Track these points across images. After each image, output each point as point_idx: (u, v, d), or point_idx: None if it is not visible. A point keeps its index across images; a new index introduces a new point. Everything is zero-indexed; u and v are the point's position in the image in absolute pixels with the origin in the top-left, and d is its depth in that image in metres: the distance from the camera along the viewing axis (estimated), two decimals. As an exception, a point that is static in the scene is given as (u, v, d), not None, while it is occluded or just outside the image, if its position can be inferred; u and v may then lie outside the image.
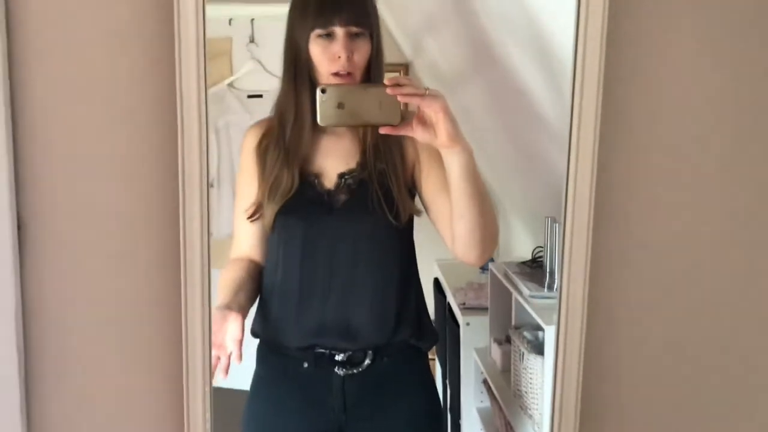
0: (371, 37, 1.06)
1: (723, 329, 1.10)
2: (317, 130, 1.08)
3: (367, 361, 1.13)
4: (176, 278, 0.99)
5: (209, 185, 1.18)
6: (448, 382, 1.42)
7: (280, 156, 1.09)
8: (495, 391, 1.31)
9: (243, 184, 1.14)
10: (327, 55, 1.04)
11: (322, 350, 1.13)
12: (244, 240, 1.14)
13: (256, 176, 1.11)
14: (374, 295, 1.12)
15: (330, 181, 1.10)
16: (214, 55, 1.27)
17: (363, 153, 1.10)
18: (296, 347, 1.14)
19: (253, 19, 1.30)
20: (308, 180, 1.10)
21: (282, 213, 1.09)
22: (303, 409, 1.16)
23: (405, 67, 1.30)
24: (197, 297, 0.98)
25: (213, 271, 1.03)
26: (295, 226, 1.11)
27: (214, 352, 1.02)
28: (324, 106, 0.96)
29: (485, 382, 1.35)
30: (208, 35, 1.04)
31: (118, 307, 1.03)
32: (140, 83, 0.99)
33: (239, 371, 1.30)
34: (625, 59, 1.00)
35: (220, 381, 1.16)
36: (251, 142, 1.13)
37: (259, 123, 1.14)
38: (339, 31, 1.03)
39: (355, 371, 1.13)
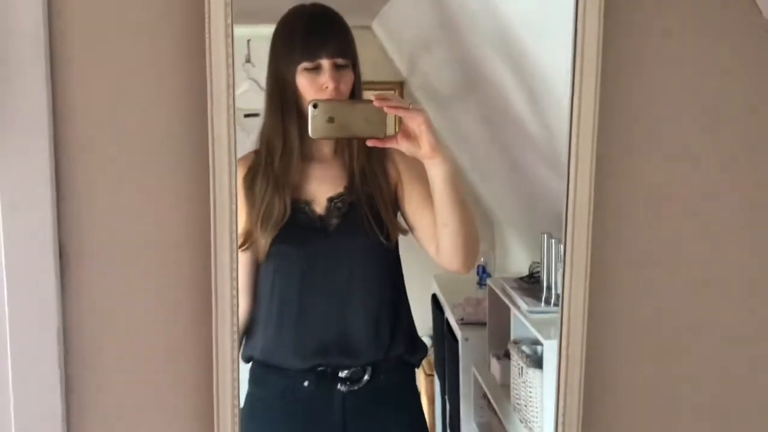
0: (353, 67, 1.11)
1: (724, 342, 1.11)
2: (305, 158, 1.12)
3: (366, 377, 1.16)
4: (206, 301, 1.01)
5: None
6: (447, 397, 1.43)
7: (270, 185, 1.11)
8: (495, 406, 1.32)
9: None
10: (314, 87, 1.08)
11: (324, 368, 1.15)
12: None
13: (244, 208, 1.11)
14: (370, 312, 1.16)
15: (320, 206, 1.13)
16: (211, 76, 1.28)
17: (350, 177, 1.13)
18: (298, 369, 1.16)
19: (249, 40, 1.32)
20: (299, 207, 1.12)
21: (277, 241, 1.11)
22: (303, 426, 1.18)
23: (400, 86, 1.32)
24: (227, 318, 1.00)
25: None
26: (291, 252, 1.13)
27: None
28: (315, 120, 1.01)
29: (485, 396, 1.35)
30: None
31: (151, 329, 1.05)
32: (171, 113, 1.02)
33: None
34: (621, 74, 1.03)
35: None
36: (239, 172, 1.12)
37: (243, 157, 1.14)
38: (325, 63, 1.08)
39: (355, 387, 1.16)
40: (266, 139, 1.13)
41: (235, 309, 0.99)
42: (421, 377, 1.38)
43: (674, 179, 1.07)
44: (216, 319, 1.00)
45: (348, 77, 1.10)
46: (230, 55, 0.97)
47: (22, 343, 1.01)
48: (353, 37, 1.12)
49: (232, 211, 0.98)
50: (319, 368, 1.15)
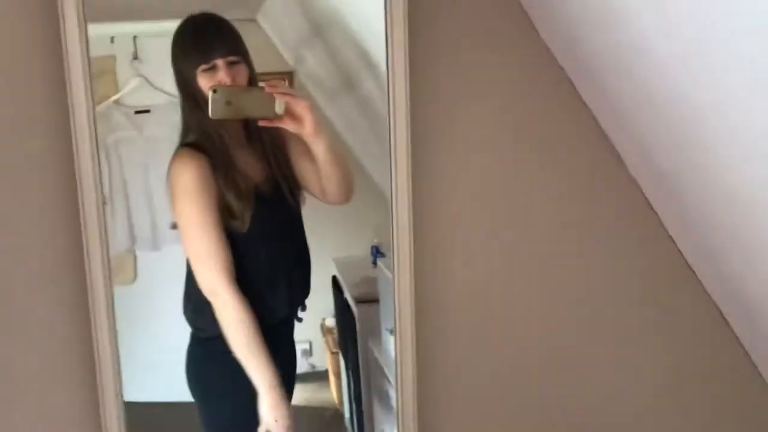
0: (246, 61, 1.23)
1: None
2: (238, 146, 1.26)
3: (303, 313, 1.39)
4: (82, 292, 1.09)
5: (103, 203, 1.22)
6: (350, 372, 1.50)
7: (229, 174, 1.24)
8: (389, 378, 1.40)
9: (200, 205, 1.23)
10: (213, 83, 1.19)
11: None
12: (223, 247, 1.24)
13: (214, 194, 1.23)
14: (306, 261, 1.37)
15: (264, 185, 1.29)
16: (99, 74, 1.28)
17: (269, 158, 1.29)
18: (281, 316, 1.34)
19: (135, 36, 1.33)
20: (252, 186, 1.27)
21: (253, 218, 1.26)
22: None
23: (289, 75, 1.37)
24: (102, 312, 1.08)
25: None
26: (266, 224, 1.29)
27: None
28: (215, 104, 1.16)
29: (381, 369, 1.43)
30: (92, 54, 1.08)
31: (32, 328, 1.12)
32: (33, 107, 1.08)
33: (152, 383, 1.34)
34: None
35: (134, 395, 1.22)
36: (202, 168, 1.23)
37: (192, 153, 1.23)
38: (220, 62, 1.20)
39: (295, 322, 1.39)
40: (201, 134, 1.23)
41: (110, 299, 1.10)
42: (327, 355, 1.46)
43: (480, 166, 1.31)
44: (93, 310, 1.09)
45: (242, 71, 1.22)
46: (86, 55, 1.06)
47: None
48: (240, 35, 1.23)
49: (101, 227, 1.09)
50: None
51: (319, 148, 1.25)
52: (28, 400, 1.13)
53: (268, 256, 1.32)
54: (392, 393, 1.37)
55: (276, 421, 1.24)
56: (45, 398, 1.12)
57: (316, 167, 1.28)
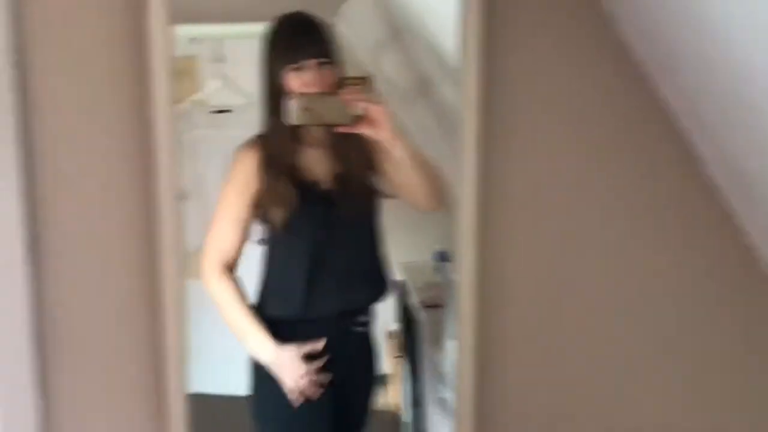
0: (336, 64, 1.27)
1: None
2: (305, 143, 1.30)
3: (368, 318, 1.40)
4: (155, 288, 1.15)
5: (180, 198, 1.26)
6: (412, 377, 1.50)
7: (278, 170, 1.27)
8: (451, 385, 1.39)
9: (234, 194, 1.29)
10: (300, 83, 1.23)
11: (343, 311, 1.37)
12: (231, 244, 1.31)
13: (253, 188, 1.28)
14: (370, 264, 1.38)
15: (324, 183, 1.31)
16: (180, 73, 1.32)
17: (341, 158, 1.31)
18: (323, 318, 1.35)
19: (218, 38, 1.37)
20: (307, 185, 1.29)
21: (296, 215, 1.28)
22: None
23: (364, 80, 1.38)
24: (171, 305, 1.13)
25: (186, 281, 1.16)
26: (310, 224, 1.31)
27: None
28: (293, 111, 1.19)
29: (442, 375, 1.42)
30: (176, 54, 1.13)
31: (106, 317, 1.18)
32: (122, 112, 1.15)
33: (223, 376, 1.38)
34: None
35: (200, 388, 1.25)
36: (252, 159, 1.28)
37: (251, 144, 1.29)
38: (310, 63, 1.24)
39: (360, 329, 1.40)
40: (269, 129, 1.28)
41: (181, 293, 1.15)
42: (390, 359, 1.46)
43: (551, 167, 1.25)
44: (163, 305, 1.14)
45: (330, 74, 1.25)
46: (169, 56, 1.10)
47: None
48: (334, 37, 1.27)
49: (174, 216, 1.13)
50: (341, 313, 1.36)
51: (398, 153, 1.25)
52: (95, 389, 1.19)
53: (307, 257, 1.32)
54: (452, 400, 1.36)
55: (299, 378, 1.31)
56: (111, 386, 1.19)
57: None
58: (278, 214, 1.27)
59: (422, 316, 1.43)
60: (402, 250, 1.43)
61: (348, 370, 1.38)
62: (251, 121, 1.28)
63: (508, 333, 1.28)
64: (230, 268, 1.32)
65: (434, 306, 1.43)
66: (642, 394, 1.31)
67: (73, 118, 1.14)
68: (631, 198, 1.26)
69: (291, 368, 1.31)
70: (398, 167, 1.28)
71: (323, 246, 1.32)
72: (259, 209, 1.29)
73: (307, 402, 1.33)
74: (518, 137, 1.23)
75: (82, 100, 1.14)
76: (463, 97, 1.17)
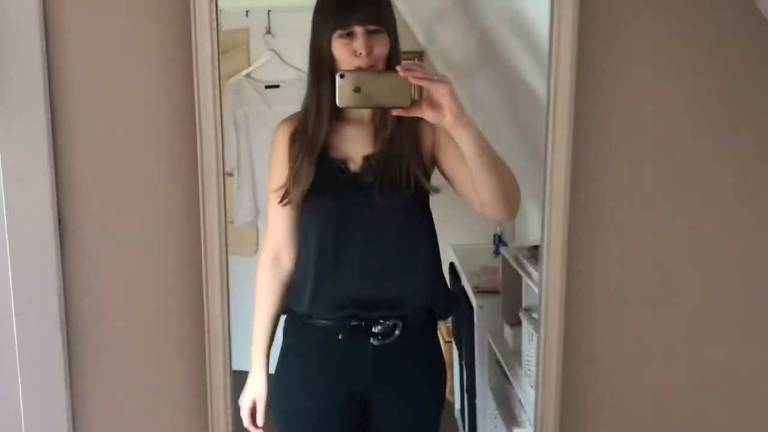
0: (389, 32, 1.14)
1: (704, 312, 1.14)
2: (340, 119, 1.18)
3: (396, 332, 1.22)
4: (198, 264, 1.08)
5: (229, 174, 1.23)
6: (464, 363, 1.45)
7: (303, 146, 1.18)
8: (507, 371, 1.34)
9: (273, 170, 1.22)
10: (348, 52, 1.11)
11: (357, 323, 1.21)
12: (278, 227, 1.23)
13: (287, 164, 1.20)
14: (402, 267, 1.22)
15: (356, 164, 1.19)
16: (231, 47, 1.30)
17: (383, 139, 1.18)
18: (333, 319, 1.22)
19: (269, 11, 1.33)
20: (336, 165, 1.18)
21: (316, 194, 1.18)
22: (333, 375, 1.25)
23: (419, 55, 1.32)
24: (217, 283, 1.07)
25: (232, 258, 1.10)
26: (327, 206, 1.20)
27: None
28: (342, 90, 1.04)
29: (498, 362, 1.38)
30: (225, 28, 1.08)
31: (147, 295, 1.12)
32: (161, 90, 1.07)
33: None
34: (598, 48, 1.06)
35: (243, 365, 1.23)
36: (283, 134, 1.20)
37: (290, 117, 1.21)
38: (358, 29, 1.11)
39: (386, 342, 1.22)
40: (306, 103, 1.18)
41: (224, 272, 1.07)
42: (440, 344, 1.42)
43: (653, 154, 1.09)
44: (206, 282, 1.07)
45: (382, 43, 1.12)
46: (215, 29, 1.02)
47: (26, 310, 1.08)
48: (389, 3, 1.14)
49: (220, 184, 1.05)
50: (353, 322, 1.21)
51: (465, 142, 1.07)
52: (139, 368, 1.15)
53: (318, 246, 1.21)
54: (512, 390, 1.31)
55: (246, 410, 1.23)
56: (156, 363, 1.14)
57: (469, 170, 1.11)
58: (296, 194, 1.18)
59: (477, 301, 1.38)
60: (455, 232, 1.37)
61: (375, 388, 1.24)
62: (299, 97, 1.21)
63: (597, 341, 1.14)
64: (281, 258, 1.24)
65: (489, 291, 1.37)
66: (747, 408, 1.18)
67: (115, 96, 1.08)
68: (740, 197, 1.12)
69: (248, 397, 1.24)
70: (459, 162, 1.12)
71: (342, 237, 1.20)
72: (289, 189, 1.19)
73: (323, 413, 1.26)
74: (613, 122, 1.09)
75: (125, 74, 1.08)
76: (555, 83, 1.03)
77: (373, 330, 1.21)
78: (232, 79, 1.32)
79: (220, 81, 1.04)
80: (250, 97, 1.35)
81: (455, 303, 1.35)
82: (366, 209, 1.19)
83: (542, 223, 1.08)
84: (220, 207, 1.06)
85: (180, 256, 1.10)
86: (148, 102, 1.07)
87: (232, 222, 1.28)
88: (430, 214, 1.22)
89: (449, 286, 1.32)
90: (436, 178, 1.21)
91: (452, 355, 1.48)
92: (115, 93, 1.07)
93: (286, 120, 1.21)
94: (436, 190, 1.19)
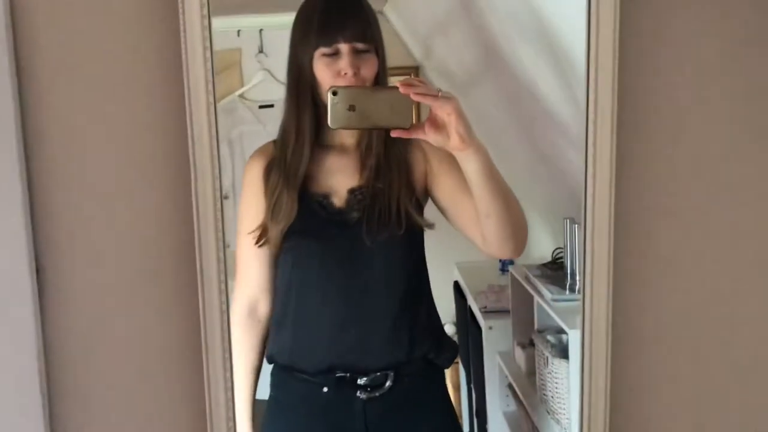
0: (377, 52, 1.04)
1: (752, 335, 1.07)
2: (320, 147, 1.08)
3: (388, 383, 1.11)
4: (194, 311, 0.98)
5: (224, 197, 1.19)
6: (472, 386, 1.41)
7: (281, 178, 1.07)
8: (521, 396, 1.30)
9: (246, 210, 1.11)
10: (332, 73, 1.02)
11: (342, 374, 1.11)
12: (254, 274, 1.12)
13: (261, 200, 1.09)
14: (390, 311, 1.11)
15: (340, 199, 1.09)
16: (224, 67, 1.27)
17: (371, 167, 1.08)
18: (315, 371, 1.12)
19: (261, 30, 1.30)
20: (317, 200, 1.09)
21: (296, 234, 1.08)
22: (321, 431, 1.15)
23: (415, 70, 1.29)
24: (215, 309, 0.98)
25: (231, 282, 1.02)
26: (308, 247, 1.10)
27: None
28: (335, 109, 0.93)
29: (510, 386, 1.33)
30: (217, 47, 1.04)
31: (138, 344, 1.02)
32: (149, 120, 0.99)
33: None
34: (639, 56, 0.98)
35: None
36: (256, 167, 1.11)
37: (262, 148, 1.12)
38: (344, 48, 1.02)
39: (376, 394, 1.11)
40: (283, 129, 1.09)
41: (225, 319, 0.97)
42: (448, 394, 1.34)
43: (703, 163, 1.02)
44: (205, 333, 0.97)
45: (370, 63, 1.03)
46: (208, 49, 0.94)
47: (1, 367, 0.96)
48: (376, 21, 1.06)
49: (217, 218, 0.95)
50: (338, 373, 1.11)
51: (472, 168, 0.96)
52: (135, 400, 1.05)
53: (296, 289, 1.10)
54: (526, 415, 1.26)
55: None
56: (155, 392, 1.06)
57: (473, 201, 1.00)
58: (274, 232, 1.07)
59: (485, 322, 1.33)
60: (458, 249, 1.33)
61: None
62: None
63: (645, 370, 1.04)
64: (257, 308, 1.13)
65: (497, 311, 1.33)
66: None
67: (106, 116, 0.99)
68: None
69: None
70: (458, 192, 1.02)
71: (324, 281, 1.10)
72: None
73: None
74: (658, 133, 1.00)
75: (116, 96, 0.99)
76: (595, 90, 0.92)
77: (359, 382, 1.10)
78: (225, 100, 1.29)
79: (215, 104, 0.97)
80: (244, 118, 1.31)
81: (454, 349, 1.22)
82: (351, 250, 1.08)
83: (584, 266, 0.96)
84: (217, 229, 0.97)
85: (173, 305, 1.01)
86: (136, 131, 0.99)
87: (229, 246, 1.23)
88: (423, 253, 1.12)
89: (444, 331, 1.20)
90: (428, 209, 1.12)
91: (459, 377, 1.43)
92: (100, 123, 0.99)
93: (256, 152, 1.11)
94: (431, 226, 1.09)
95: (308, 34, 1.04)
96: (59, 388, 1.01)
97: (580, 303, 0.97)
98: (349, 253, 1.09)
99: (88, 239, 1.00)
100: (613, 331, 0.98)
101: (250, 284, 1.13)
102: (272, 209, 1.08)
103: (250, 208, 1.10)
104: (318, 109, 1.04)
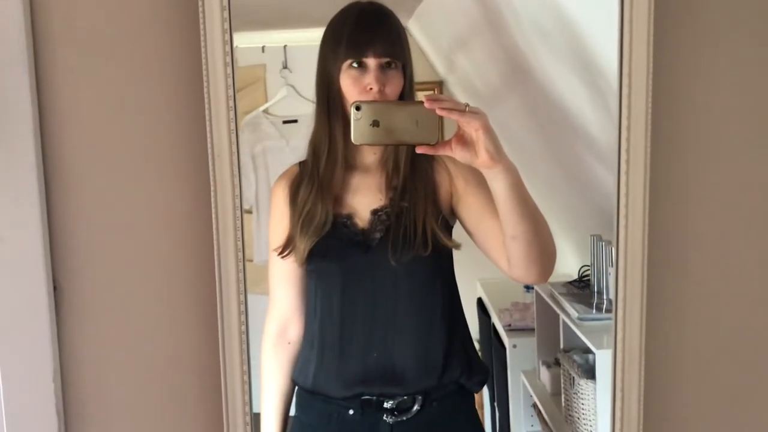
0: (404, 68, 1.03)
1: None
2: (347, 167, 1.07)
3: (416, 407, 1.09)
4: (213, 331, 0.98)
5: (247, 211, 1.19)
6: (496, 404, 1.38)
7: (313, 191, 1.06)
8: (546, 416, 1.27)
9: (274, 229, 1.11)
10: (358, 87, 1.01)
11: (369, 397, 1.09)
12: (284, 295, 1.12)
13: (287, 218, 1.09)
14: (418, 334, 1.08)
15: (363, 220, 1.07)
16: (248, 83, 1.27)
17: (394, 187, 1.06)
18: (342, 396, 1.10)
19: (285, 46, 1.30)
20: (340, 221, 1.07)
21: (318, 256, 1.07)
22: None
23: (438, 85, 1.29)
24: (234, 325, 0.98)
25: (250, 296, 1.02)
26: (331, 269, 1.09)
27: None
28: (358, 124, 0.91)
29: (534, 405, 1.30)
30: (241, 63, 1.04)
31: (155, 363, 1.03)
32: (168, 133, 1.00)
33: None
34: (673, 71, 0.97)
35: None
36: (282, 188, 1.11)
37: (288, 171, 1.12)
38: (371, 62, 1.01)
39: (404, 418, 1.09)
40: (313, 144, 1.08)
41: (243, 341, 0.97)
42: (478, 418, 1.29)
43: (737, 177, 1.00)
44: (223, 353, 0.97)
45: (396, 80, 1.02)
46: (229, 65, 0.95)
47: (16, 386, 0.97)
48: (406, 39, 1.05)
49: (237, 236, 0.96)
50: (364, 397, 1.09)
51: (501, 187, 0.92)
52: (152, 419, 1.06)
53: (321, 314, 1.09)
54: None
55: None
56: (173, 412, 1.05)
57: (499, 222, 0.96)
58: (300, 247, 1.06)
59: (509, 340, 1.31)
60: (481, 265, 1.31)
61: None
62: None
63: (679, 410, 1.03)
64: (288, 331, 1.12)
65: (522, 329, 1.31)
66: None
67: (125, 135, 1.01)
68: None
69: None
70: (484, 213, 1.00)
71: (348, 304, 1.08)
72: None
73: None
74: (690, 144, 0.98)
75: (136, 115, 1.01)
76: (628, 105, 0.92)
77: (386, 405, 1.08)
78: (250, 115, 1.29)
79: (237, 120, 0.98)
80: (269, 133, 1.31)
81: (486, 373, 1.19)
82: (376, 272, 1.06)
83: (616, 285, 0.94)
84: (236, 243, 0.98)
85: (192, 325, 1.02)
86: (156, 148, 1.00)
87: (251, 260, 1.23)
88: (453, 273, 1.10)
89: (477, 354, 1.17)
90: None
91: (481, 395, 1.41)
92: (119, 141, 1.00)
93: (282, 175, 1.12)
94: (458, 246, 1.07)
95: (337, 47, 1.03)
96: (75, 408, 1.02)
97: (607, 322, 0.94)
98: (372, 275, 1.07)
99: (105, 258, 1.01)
100: (646, 357, 0.96)
101: (280, 305, 1.13)
102: (301, 222, 1.06)
103: (278, 226, 1.10)
104: (347, 124, 1.01)
